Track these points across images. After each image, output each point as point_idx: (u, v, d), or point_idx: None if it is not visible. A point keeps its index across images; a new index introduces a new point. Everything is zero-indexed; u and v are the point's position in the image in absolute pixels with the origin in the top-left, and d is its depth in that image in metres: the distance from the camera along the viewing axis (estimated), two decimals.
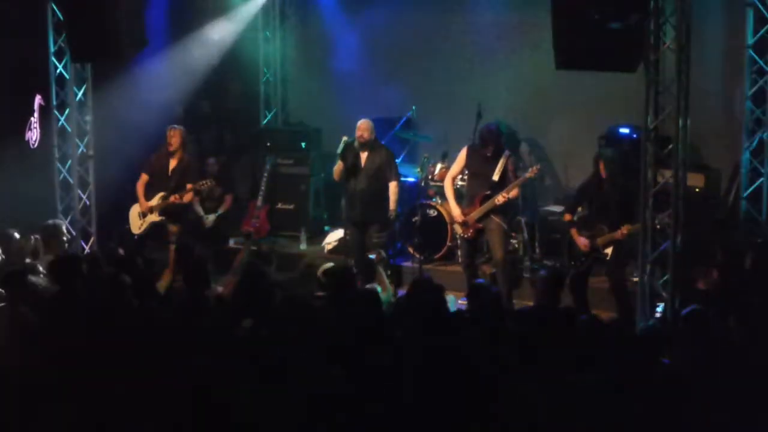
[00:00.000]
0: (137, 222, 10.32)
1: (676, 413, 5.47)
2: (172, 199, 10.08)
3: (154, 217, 10.21)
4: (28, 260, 8.54)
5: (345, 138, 9.84)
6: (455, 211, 9.64)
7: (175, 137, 10.19)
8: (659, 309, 8.39)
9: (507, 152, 9.50)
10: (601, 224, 8.89)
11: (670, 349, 6.42)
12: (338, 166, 9.87)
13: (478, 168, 9.58)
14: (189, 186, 10.15)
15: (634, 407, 5.47)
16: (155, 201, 10.20)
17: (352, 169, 9.84)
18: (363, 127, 9.85)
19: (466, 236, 9.57)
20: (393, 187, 9.82)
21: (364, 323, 6.38)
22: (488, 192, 9.41)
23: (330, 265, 8.26)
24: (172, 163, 10.24)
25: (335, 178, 10.03)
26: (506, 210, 9.53)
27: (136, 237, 10.34)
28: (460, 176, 10.04)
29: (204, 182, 10.23)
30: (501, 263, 9.48)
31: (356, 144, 9.83)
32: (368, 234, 9.85)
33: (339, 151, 9.79)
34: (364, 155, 9.86)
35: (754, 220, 9.78)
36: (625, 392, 5.56)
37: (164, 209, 10.20)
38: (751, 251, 8.35)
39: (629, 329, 7.67)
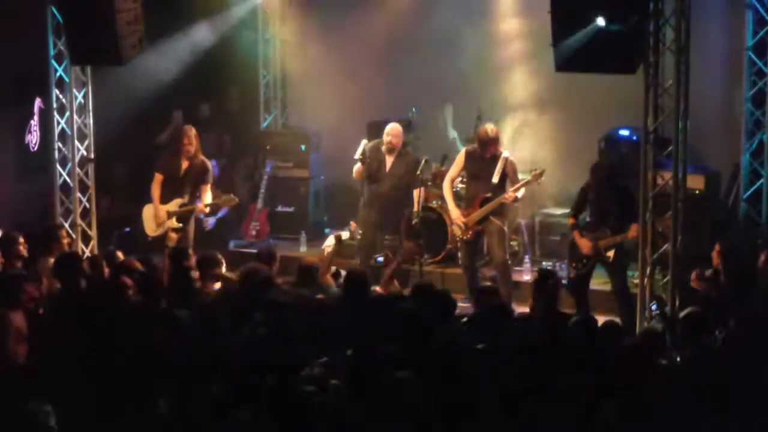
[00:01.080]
0: (153, 225, 9.94)
1: (675, 415, 5.47)
2: (198, 208, 9.81)
3: (173, 223, 9.87)
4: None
5: (364, 141, 9.93)
6: (454, 213, 9.64)
7: (194, 138, 9.79)
8: (653, 307, 8.38)
9: (506, 154, 9.50)
10: (604, 227, 8.88)
11: (669, 351, 6.42)
12: (359, 168, 9.89)
13: (477, 170, 9.57)
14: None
15: (634, 409, 5.46)
16: (173, 207, 9.86)
17: (376, 172, 9.85)
18: (392, 132, 9.85)
19: (465, 238, 9.56)
20: (417, 191, 9.73)
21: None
22: (488, 194, 9.41)
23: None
24: (184, 165, 9.89)
25: (355, 178, 10.09)
26: (506, 212, 9.53)
27: (150, 239, 10.00)
28: (459, 178, 10.04)
29: (229, 198, 9.98)
30: (501, 265, 9.48)
31: (383, 148, 9.83)
32: (379, 237, 9.94)
33: (357, 155, 9.82)
34: (389, 160, 9.88)
35: (754, 221, 9.78)
36: (625, 394, 5.55)
37: (180, 216, 9.90)
38: (750, 252, 8.36)
39: (629, 331, 7.68)
